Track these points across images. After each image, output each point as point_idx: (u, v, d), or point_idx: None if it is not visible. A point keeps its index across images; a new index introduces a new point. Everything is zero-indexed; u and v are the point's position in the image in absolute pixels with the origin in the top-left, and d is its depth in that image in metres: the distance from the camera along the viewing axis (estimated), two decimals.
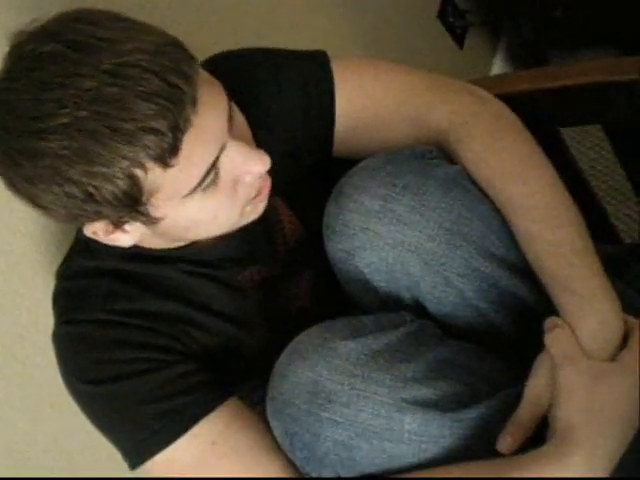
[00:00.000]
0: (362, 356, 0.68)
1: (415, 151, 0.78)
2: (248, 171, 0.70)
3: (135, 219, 0.68)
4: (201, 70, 0.65)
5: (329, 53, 0.85)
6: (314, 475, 0.70)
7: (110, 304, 0.76)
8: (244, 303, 0.83)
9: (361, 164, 0.78)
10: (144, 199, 0.65)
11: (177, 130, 0.61)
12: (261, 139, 0.76)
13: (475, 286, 0.74)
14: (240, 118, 0.72)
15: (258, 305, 0.84)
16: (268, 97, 0.83)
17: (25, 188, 0.65)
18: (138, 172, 0.62)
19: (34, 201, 0.66)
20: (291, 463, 0.72)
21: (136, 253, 0.77)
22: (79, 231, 0.79)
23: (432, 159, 0.78)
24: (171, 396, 0.74)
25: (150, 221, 0.68)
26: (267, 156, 0.70)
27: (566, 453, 0.63)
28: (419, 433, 0.67)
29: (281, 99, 0.83)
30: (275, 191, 0.77)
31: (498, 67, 1.98)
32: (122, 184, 0.62)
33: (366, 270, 0.76)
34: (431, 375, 0.69)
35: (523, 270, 0.75)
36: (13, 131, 0.62)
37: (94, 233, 0.70)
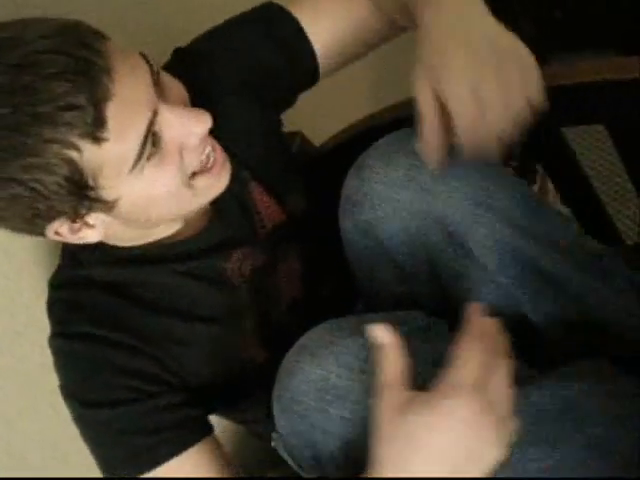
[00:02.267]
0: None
1: None
2: (189, 132, 0.69)
3: (91, 208, 0.68)
4: (111, 42, 0.65)
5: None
6: (320, 474, 0.69)
7: (97, 317, 0.77)
8: (234, 302, 0.83)
9: (382, 140, 0.78)
10: (90, 182, 0.65)
11: (97, 101, 0.61)
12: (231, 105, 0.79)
13: (497, 258, 0.73)
14: (174, 83, 0.72)
15: (249, 302, 0.84)
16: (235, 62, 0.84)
17: None
18: (72, 154, 0.62)
19: None
20: None
21: (120, 257, 0.77)
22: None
23: None
24: (149, 431, 0.76)
25: (107, 207, 0.68)
26: (207, 114, 0.70)
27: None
28: None
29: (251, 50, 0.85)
30: (250, 172, 0.79)
31: None
32: (61, 170, 0.62)
33: (387, 242, 0.75)
34: (434, 370, 0.67)
35: (546, 241, 0.74)
36: None
37: (57, 234, 0.69)
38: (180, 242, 0.80)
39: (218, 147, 0.74)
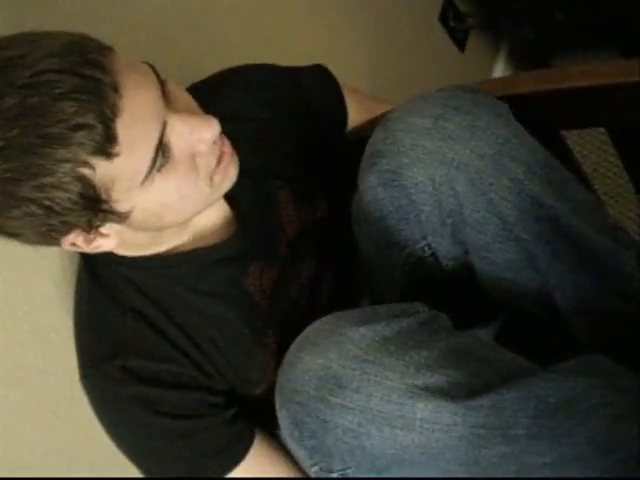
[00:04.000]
0: (373, 342, 0.68)
1: (461, 86, 0.79)
2: (199, 140, 0.69)
3: (105, 220, 0.68)
4: (118, 55, 0.65)
5: (331, 58, 0.88)
6: (322, 465, 0.69)
7: (140, 345, 0.77)
8: (255, 318, 0.83)
9: (408, 99, 0.79)
10: (103, 196, 0.65)
11: (106, 119, 0.61)
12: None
13: (518, 211, 0.74)
14: (181, 91, 0.72)
15: (267, 317, 0.83)
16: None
17: None
18: (85, 171, 0.62)
19: (4, 232, 0.66)
20: None
21: (143, 267, 0.77)
22: (83, 261, 0.80)
23: (477, 92, 0.79)
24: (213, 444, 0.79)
25: (121, 217, 0.68)
26: (214, 119, 0.70)
27: None
28: (431, 420, 0.65)
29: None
30: (283, 181, 0.79)
31: (500, 70, 1.98)
32: (74, 188, 0.62)
33: (412, 190, 0.75)
34: (442, 363, 0.68)
35: (568, 199, 0.75)
36: None
37: (73, 245, 0.70)
38: (199, 254, 0.80)
39: (227, 143, 0.74)
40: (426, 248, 0.79)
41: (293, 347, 0.71)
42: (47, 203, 0.62)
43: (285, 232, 0.86)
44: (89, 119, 0.60)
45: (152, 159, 0.65)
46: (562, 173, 0.78)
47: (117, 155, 0.63)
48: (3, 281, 0.85)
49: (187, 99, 0.72)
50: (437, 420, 0.65)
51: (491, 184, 0.73)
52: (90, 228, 0.68)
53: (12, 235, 0.67)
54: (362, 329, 0.68)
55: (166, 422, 0.77)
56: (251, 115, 0.87)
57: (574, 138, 1.60)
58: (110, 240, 0.71)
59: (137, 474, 0.80)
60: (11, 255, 0.85)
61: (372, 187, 0.78)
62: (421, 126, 0.74)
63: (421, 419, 0.65)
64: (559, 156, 1.04)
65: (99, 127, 0.61)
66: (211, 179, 0.72)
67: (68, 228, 0.67)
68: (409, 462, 0.67)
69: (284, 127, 0.88)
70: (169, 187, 0.68)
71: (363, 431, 0.66)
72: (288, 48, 0.86)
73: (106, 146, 0.62)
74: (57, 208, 0.63)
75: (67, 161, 0.61)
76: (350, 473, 0.69)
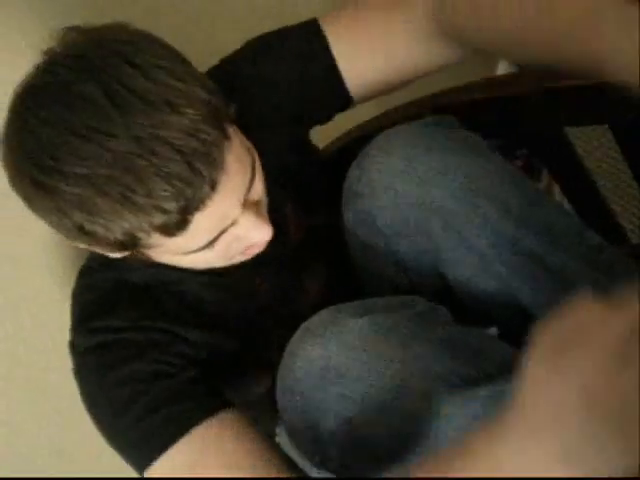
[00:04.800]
0: (373, 332, 0.68)
1: (434, 120, 0.79)
2: (250, 239, 0.70)
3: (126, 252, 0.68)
4: (230, 142, 0.63)
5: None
6: (322, 455, 0.70)
7: (130, 317, 0.76)
8: (259, 319, 0.83)
9: (383, 133, 0.78)
10: (139, 249, 0.65)
11: (186, 212, 0.60)
12: (265, 138, 0.75)
13: (494, 248, 0.74)
14: (259, 183, 0.70)
15: (273, 312, 0.84)
16: (265, 89, 0.81)
17: (22, 198, 0.64)
18: (140, 234, 0.62)
19: (28, 207, 0.65)
20: (285, 470, 0.70)
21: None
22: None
23: (451, 126, 0.79)
24: (167, 405, 0.72)
25: (140, 256, 0.69)
26: (270, 227, 0.69)
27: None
28: (429, 411, 0.66)
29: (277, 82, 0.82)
30: (286, 191, 0.77)
31: (503, 67, 1.97)
32: (120, 237, 0.62)
33: (387, 231, 0.76)
34: (440, 354, 0.69)
35: (544, 230, 0.75)
36: (30, 158, 0.60)
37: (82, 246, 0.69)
38: None
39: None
40: (406, 281, 0.80)
41: (294, 338, 0.71)
42: (87, 229, 0.61)
43: (290, 240, 0.86)
44: (173, 207, 0.59)
45: (203, 247, 0.66)
46: (541, 203, 0.77)
47: (176, 236, 0.62)
48: (6, 279, 0.85)
49: (259, 193, 0.70)
50: (435, 410, 0.66)
51: (465, 223, 0.73)
52: (107, 252, 0.68)
53: (34, 212, 0.65)
54: (361, 320, 0.69)
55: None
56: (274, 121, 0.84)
57: (577, 135, 1.60)
58: (121, 255, 0.70)
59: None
60: (14, 253, 0.86)
61: (349, 224, 0.79)
62: (394, 167, 0.74)
63: (419, 408, 0.66)
64: (563, 153, 1.04)
65: (178, 216, 0.60)
66: (232, 257, 0.72)
67: (89, 246, 0.66)
68: (407, 452, 0.67)
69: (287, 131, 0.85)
70: (199, 258, 0.68)
71: (362, 421, 0.66)
72: None
73: (173, 230, 0.61)
74: (92, 237, 0.62)
75: (130, 222, 0.60)
76: (349, 462, 0.69)
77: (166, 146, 0.58)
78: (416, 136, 0.76)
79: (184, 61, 0.63)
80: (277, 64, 0.82)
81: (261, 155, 0.71)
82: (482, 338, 0.74)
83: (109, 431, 0.75)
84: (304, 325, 0.72)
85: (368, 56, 0.81)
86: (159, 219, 0.60)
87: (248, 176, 0.66)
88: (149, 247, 0.65)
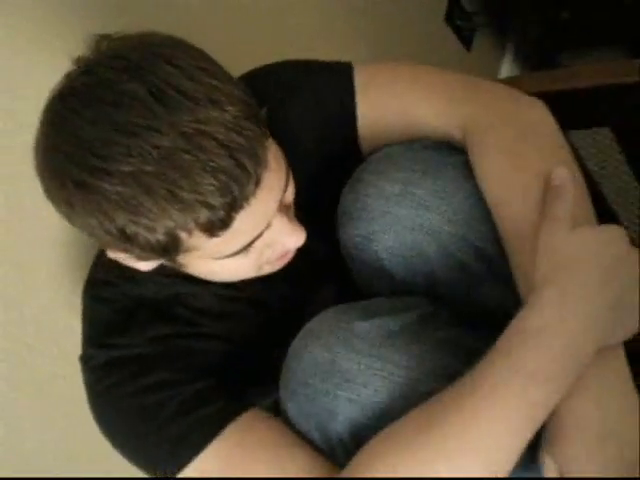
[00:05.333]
0: (378, 336, 0.68)
1: (432, 142, 0.78)
2: (283, 244, 0.70)
3: (159, 260, 0.68)
4: (270, 141, 0.64)
5: (335, 58, 0.85)
6: (330, 459, 0.69)
7: (147, 332, 0.76)
8: (271, 330, 0.83)
9: (378, 153, 0.78)
10: (178, 254, 0.65)
11: (232, 209, 0.61)
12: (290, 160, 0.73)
13: (489, 270, 0.74)
14: (291, 188, 0.70)
15: (286, 326, 0.84)
16: (293, 114, 0.81)
17: (61, 204, 0.63)
18: (182, 234, 0.62)
19: (65, 214, 0.64)
20: (318, 453, 0.70)
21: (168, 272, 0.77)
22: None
23: (449, 149, 0.78)
24: (196, 409, 0.72)
25: (173, 263, 0.69)
26: (304, 232, 0.70)
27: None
28: None
29: (301, 114, 0.82)
30: (302, 213, 0.75)
31: (506, 69, 1.98)
32: (162, 239, 0.61)
33: (384, 255, 0.76)
34: (444, 356, 0.69)
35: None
36: (71, 158, 0.60)
37: (116, 257, 0.69)
38: None
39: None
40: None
41: (296, 341, 0.72)
42: (128, 233, 0.61)
43: (305, 251, 0.86)
44: (218, 203, 0.59)
45: (241, 249, 0.66)
46: None
47: (217, 237, 0.63)
48: (10, 282, 0.85)
49: (292, 196, 0.71)
50: None
51: (461, 247, 0.74)
52: (142, 260, 0.68)
53: (68, 219, 0.65)
54: (366, 324, 0.69)
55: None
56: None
57: (580, 137, 1.60)
58: (148, 265, 0.70)
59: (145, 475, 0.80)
60: (18, 257, 0.86)
61: (345, 246, 0.79)
62: (390, 192, 0.74)
63: None
64: None
65: (222, 213, 0.60)
66: (261, 267, 0.72)
67: (125, 251, 0.66)
68: None
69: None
70: (230, 266, 0.68)
71: (369, 424, 0.66)
72: (288, 48, 0.85)
73: (217, 229, 0.61)
74: (133, 240, 0.62)
75: (174, 221, 0.60)
76: None
77: (212, 141, 0.59)
78: (411, 159, 0.75)
79: (217, 64, 0.64)
80: (303, 114, 0.82)
81: None
82: (487, 339, 0.74)
83: (131, 438, 0.74)
84: (307, 327, 0.72)
85: (389, 129, 0.81)
86: (204, 215, 0.60)
87: (284, 177, 0.66)
88: (186, 251, 0.64)
